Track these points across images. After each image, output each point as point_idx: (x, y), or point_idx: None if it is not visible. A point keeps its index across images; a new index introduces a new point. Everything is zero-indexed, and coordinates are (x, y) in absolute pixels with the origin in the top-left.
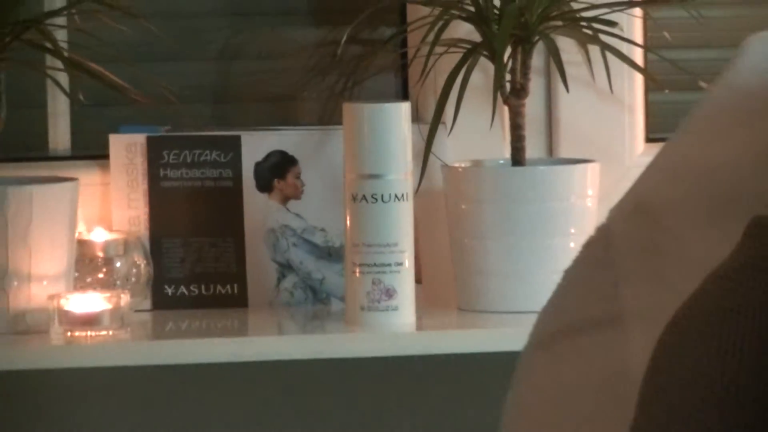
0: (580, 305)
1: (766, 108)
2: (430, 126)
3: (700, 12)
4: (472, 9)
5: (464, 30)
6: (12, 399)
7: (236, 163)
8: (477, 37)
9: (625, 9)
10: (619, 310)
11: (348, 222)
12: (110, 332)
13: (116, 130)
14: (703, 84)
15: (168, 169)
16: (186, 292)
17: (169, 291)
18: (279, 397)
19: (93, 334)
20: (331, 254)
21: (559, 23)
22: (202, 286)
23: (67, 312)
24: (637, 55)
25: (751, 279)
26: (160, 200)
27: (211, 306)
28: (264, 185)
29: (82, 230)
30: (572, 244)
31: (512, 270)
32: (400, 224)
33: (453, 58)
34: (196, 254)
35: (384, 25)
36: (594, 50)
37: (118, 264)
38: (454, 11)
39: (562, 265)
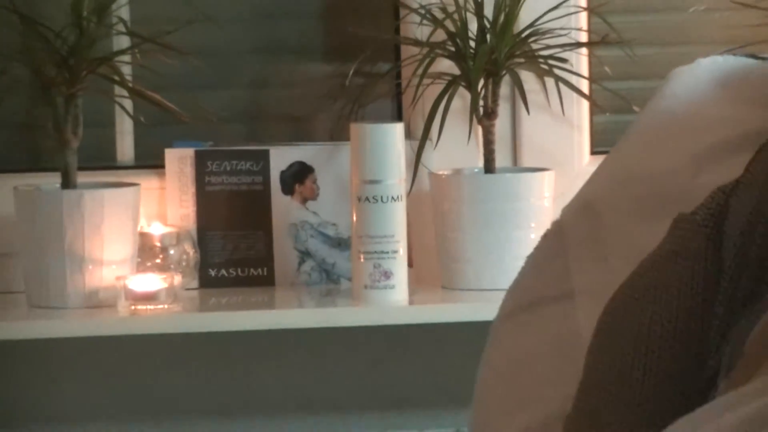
0: (539, 284)
1: (686, 126)
2: (420, 141)
3: (633, 50)
4: (452, 49)
5: (446, 65)
6: (87, 361)
7: (265, 172)
8: (457, 71)
9: (573, 49)
10: (570, 288)
11: (354, 218)
12: (165, 306)
13: (170, 145)
14: (636, 108)
15: (211, 176)
16: (226, 274)
17: (212, 273)
18: (298, 358)
19: (151, 307)
20: (341, 244)
21: (522, 60)
22: (239, 269)
23: (131, 290)
24: (584, 85)
25: (673, 264)
26: (205, 201)
27: (246, 285)
28: (287, 189)
29: (143, 225)
30: (532, 236)
31: (485, 256)
32: (396, 220)
33: (437, 88)
34: (234, 244)
35: (382, 61)
36: (549, 81)
37: (171, 252)
38: (438, 50)
39: (525, 252)
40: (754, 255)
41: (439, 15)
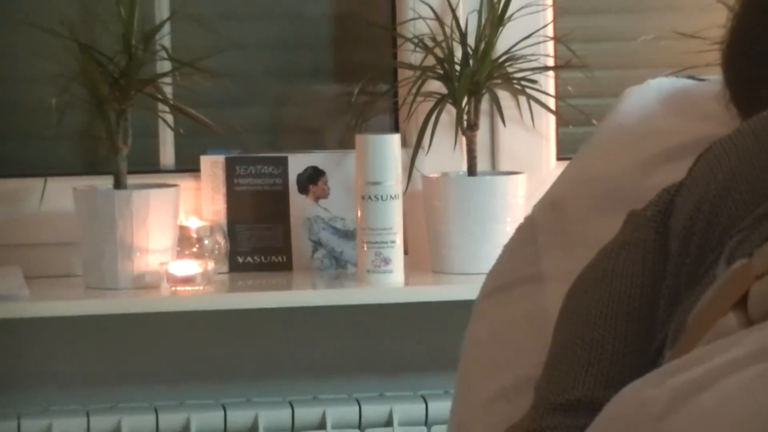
0: (514, 268)
1: (637, 137)
2: (413, 149)
3: (592, 73)
4: (440, 72)
5: (436, 86)
6: (134, 335)
7: (284, 175)
8: (444, 91)
9: (542, 72)
10: (540, 271)
11: (358, 213)
12: (200, 288)
13: (205, 153)
14: (594, 121)
15: (239, 179)
16: (251, 260)
17: (240, 259)
18: (312, 331)
19: (189, 289)
20: (347, 235)
21: (499, 81)
22: (262, 256)
23: (171, 274)
24: (551, 102)
25: (626, 253)
26: (234, 199)
27: (268, 270)
28: (302, 189)
29: (182, 219)
30: (508, 228)
31: (468, 245)
32: (393, 215)
33: (428, 104)
34: (258, 235)
35: (382, 82)
36: (522, 99)
37: (206, 242)
38: (429, 73)
39: (501, 242)
40: (694, 246)
41: (430, 43)
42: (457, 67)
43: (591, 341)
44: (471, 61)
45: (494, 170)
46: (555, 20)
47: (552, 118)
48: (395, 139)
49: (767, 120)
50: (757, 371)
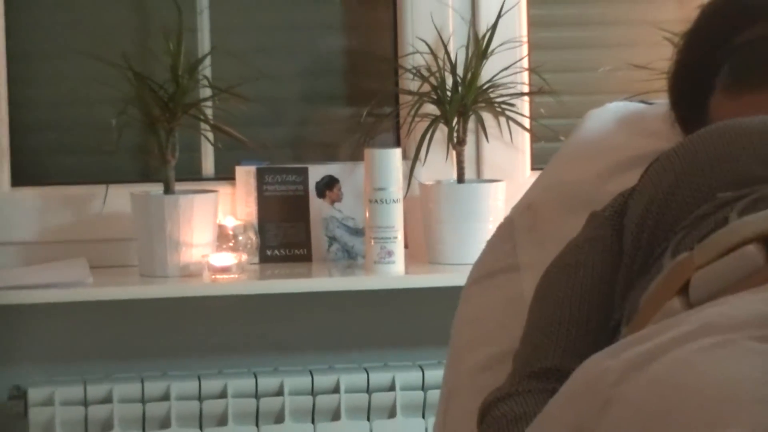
0: (495, 260)
1: (597, 150)
2: (412, 161)
3: (560, 98)
4: (434, 97)
5: (430, 108)
6: (180, 315)
7: (305, 182)
8: (438, 113)
9: (518, 97)
10: (517, 263)
11: (367, 214)
12: (236, 276)
13: (239, 164)
14: (562, 138)
15: (268, 185)
16: (278, 253)
17: (269, 252)
18: (328, 312)
19: (226, 277)
20: (357, 232)
21: (483, 105)
22: (287, 250)
23: (211, 264)
24: (526, 122)
25: (587, 246)
26: (263, 202)
27: (292, 261)
28: (320, 194)
29: (220, 219)
30: (490, 227)
31: (457, 240)
32: (396, 215)
33: (424, 124)
34: (283, 232)
35: (386, 106)
36: (502, 120)
37: (240, 238)
38: (425, 98)
39: (485, 238)
40: (644, 240)
41: (425, 73)
42: (449, 93)
43: (560, 320)
44: (460, 88)
45: (479, 178)
46: (530, 54)
47: (527, 135)
48: (397, 152)
49: (703, 136)
50: (697, 346)
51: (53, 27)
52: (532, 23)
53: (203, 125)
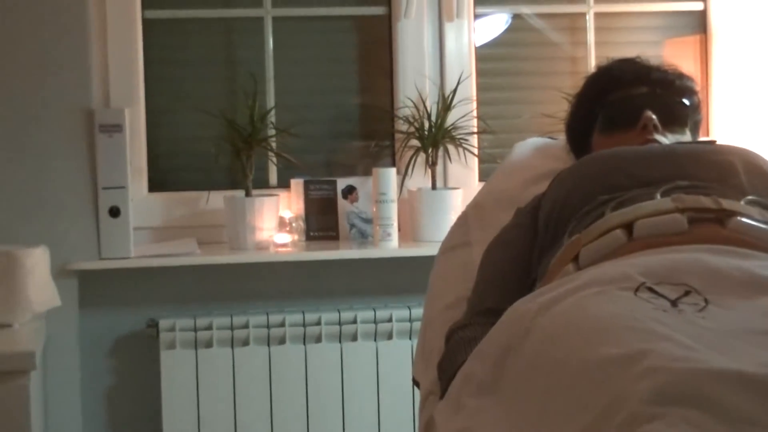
0: (455, 238)
1: (521, 169)
2: (403, 176)
3: (498, 135)
4: (417, 135)
5: (414, 142)
6: (256, 275)
7: (334, 189)
8: (419, 145)
9: (471, 135)
10: (469, 240)
11: (374, 209)
12: (290, 249)
13: (293, 177)
14: (498, 161)
15: (311, 191)
16: (317, 234)
17: (311, 234)
18: (349, 272)
19: (284, 249)
20: (368, 221)
21: (448, 140)
22: (323, 232)
23: (275, 241)
24: (475, 150)
25: (515, 231)
26: (308, 202)
27: (326, 239)
28: (344, 196)
29: (281, 212)
30: (452, 217)
31: (432, 226)
32: (393, 210)
33: (410, 152)
34: (321, 221)
35: (386, 140)
36: (460, 150)
37: (293, 224)
38: (411, 136)
39: (449, 224)
40: (551, 227)
41: (412, 120)
42: (426, 133)
43: (497, 277)
44: (433, 130)
45: (445, 187)
46: (477, 107)
47: (476, 159)
48: (393, 170)
49: (588, 160)
50: (584, 294)
51: (178, 89)
52: (480, 88)
53: (270, 153)
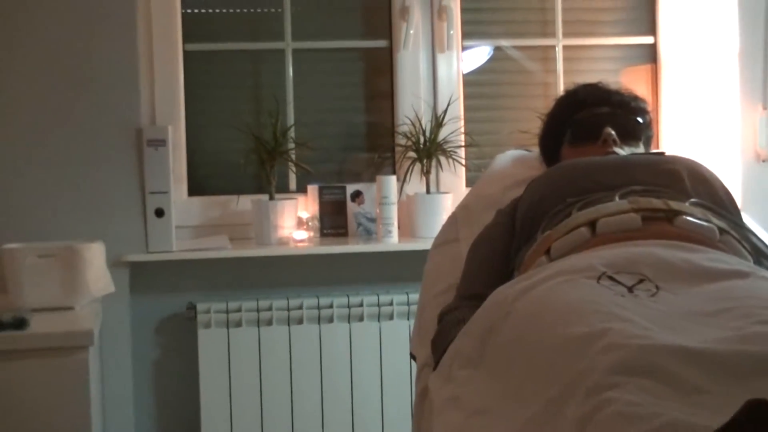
0: (445, 235)
1: (501, 176)
2: (402, 182)
3: (483, 149)
4: (414, 148)
5: (412, 154)
6: (278, 267)
7: (344, 193)
8: (416, 156)
9: (459, 147)
10: (458, 237)
11: (378, 210)
12: (307, 244)
13: (309, 183)
14: (482, 170)
15: (324, 195)
16: (329, 231)
17: (324, 231)
18: (357, 264)
19: (301, 244)
20: (373, 221)
21: (440, 152)
22: (334, 230)
23: (294, 237)
24: (463, 161)
25: (496, 228)
26: (322, 204)
27: (337, 236)
28: (353, 200)
29: (299, 212)
30: (444, 217)
31: (427, 224)
32: (393, 211)
33: (408, 162)
34: (332, 220)
35: (388, 152)
36: (451, 161)
37: (309, 223)
38: (409, 149)
39: (441, 223)
40: (527, 225)
41: (410, 135)
42: (421, 146)
43: (481, 267)
44: (427, 143)
45: (438, 191)
46: (465, 125)
47: (463, 168)
48: (394, 178)
49: (558, 168)
50: (554, 282)
51: (212, 109)
52: (466, 109)
53: (290, 163)
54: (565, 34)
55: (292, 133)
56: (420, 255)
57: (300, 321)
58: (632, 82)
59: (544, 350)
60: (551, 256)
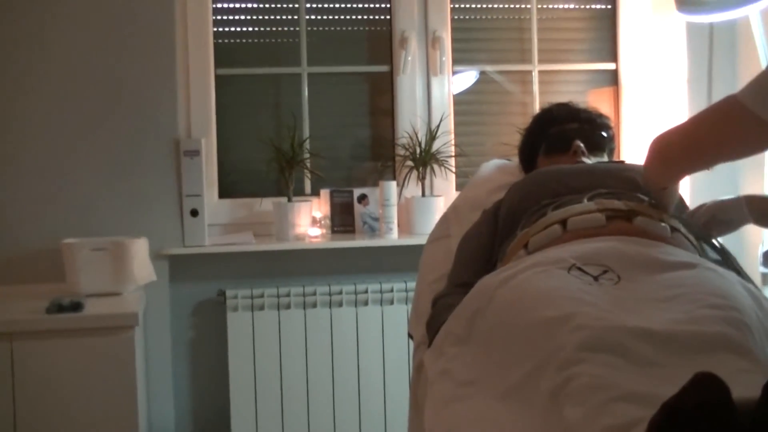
0: (438, 231)
1: (486, 182)
2: (401, 187)
3: (471, 158)
4: (411, 158)
5: (410, 163)
6: (295, 259)
7: (352, 197)
8: (413, 165)
9: (450, 157)
10: (449, 233)
11: (380, 211)
12: (320, 239)
13: (322, 188)
14: (469, 176)
15: (335, 198)
16: (339, 229)
17: (335, 229)
18: (362, 258)
19: (316, 240)
20: (377, 220)
21: (434, 161)
22: (343, 228)
23: (309, 234)
24: (454, 169)
25: (482, 226)
26: (333, 206)
27: (346, 233)
28: (359, 202)
29: (313, 213)
30: (437, 217)
31: (423, 222)
32: (394, 212)
33: (406, 169)
34: (342, 219)
35: (389, 161)
36: (443, 168)
37: (322, 222)
38: (407, 158)
39: (434, 222)
40: (508, 223)
41: (408, 146)
42: (418, 156)
43: (469, 259)
44: (423, 154)
45: (432, 194)
46: (455, 137)
47: (453, 175)
48: (394, 183)
49: (534, 174)
50: (531, 272)
51: (239, 124)
52: (456, 124)
53: (305, 170)
54: (541, 61)
55: (307, 145)
56: (416, 249)
57: (314, 305)
58: (597, 101)
59: (522, 330)
60: (529, 249)
